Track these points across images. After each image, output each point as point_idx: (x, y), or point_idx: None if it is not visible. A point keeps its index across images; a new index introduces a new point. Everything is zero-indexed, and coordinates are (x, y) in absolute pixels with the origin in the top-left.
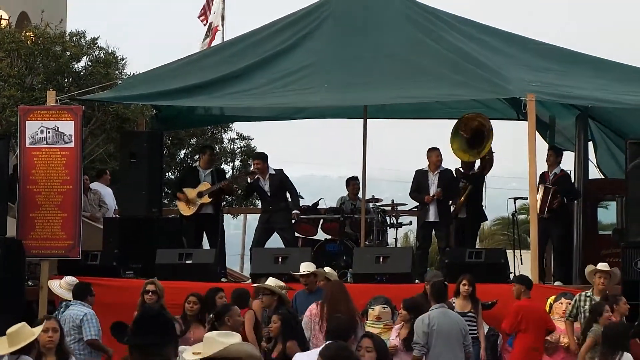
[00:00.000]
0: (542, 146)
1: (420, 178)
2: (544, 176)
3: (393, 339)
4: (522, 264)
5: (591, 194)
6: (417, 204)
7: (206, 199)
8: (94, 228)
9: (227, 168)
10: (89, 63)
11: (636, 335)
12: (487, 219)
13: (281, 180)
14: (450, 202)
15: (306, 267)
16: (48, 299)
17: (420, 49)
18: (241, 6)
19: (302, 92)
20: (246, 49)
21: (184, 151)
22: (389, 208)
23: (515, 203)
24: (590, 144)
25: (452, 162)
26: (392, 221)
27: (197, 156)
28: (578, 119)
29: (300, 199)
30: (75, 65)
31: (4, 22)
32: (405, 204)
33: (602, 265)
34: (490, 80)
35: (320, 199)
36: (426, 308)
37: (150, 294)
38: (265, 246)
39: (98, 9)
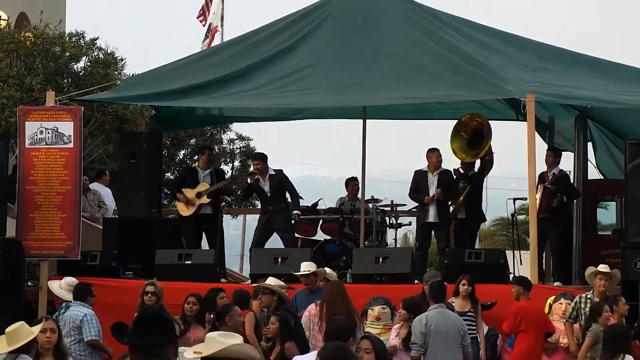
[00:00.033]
0: (541, 147)
1: (419, 179)
2: (542, 176)
3: (393, 338)
4: (521, 264)
5: (590, 195)
6: (417, 204)
7: (205, 200)
8: (94, 228)
9: (227, 168)
10: (88, 64)
11: (636, 336)
12: (485, 220)
13: (281, 181)
14: (450, 202)
15: (307, 267)
16: (48, 300)
17: (420, 50)
18: (240, 7)
19: (302, 93)
20: (245, 50)
21: (183, 152)
22: (389, 208)
23: (514, 203)
24: (589, 144)
25: (451, 162)
26: (391, 222)
27: (196, 157)
28: (577, 120)
29: (299, 200)
30: (75, 66)
31: (3, 23)
32: (405, 205)
33: (603, 267)
34: (489, 81)
35: (319, 200)
36: (425, 308)
37: (149, 295)
38: (265, 247)
39: (97, 9)
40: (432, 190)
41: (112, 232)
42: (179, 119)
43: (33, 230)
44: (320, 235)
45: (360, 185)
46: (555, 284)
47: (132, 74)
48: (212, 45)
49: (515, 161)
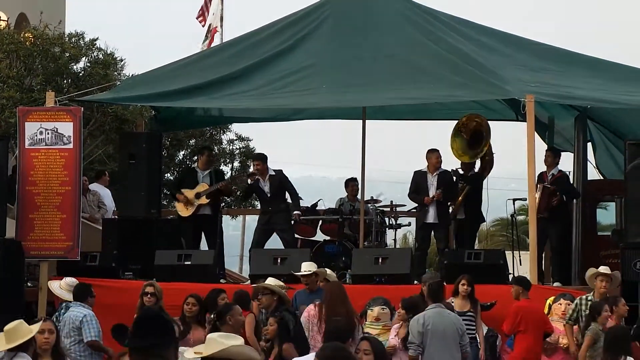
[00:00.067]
0: (541, 147)
1: (419, 179)
2: (542, 177)
3: (392, 338)
4: (521, 265)
5: (590, 195)
6: (416, 205)
7: (204, 200)
8: (93, 229)
9: (226, 169)
10: (88, 64)
11: (636, 338)
12: (485, 220)
13: (281, 181)
14: (449, 203)
15: (308, 267)
16: (47, 300)
17: (420, 50)
18: (240, 7)
19: (301, 93)
20: (245, 50)
21: (183, 152)
22: (388, 209)
23: (514, 204)
24: (589, 144)
25: (451, 162)
26: (391, 222)
27: (195, 157)
28: (577, 120)
29: (299, 200)
30: (74, 67)
31: (2, 23)
32: (404, 205)
33: (604, 269)
34: (489, 81)
35: (319, 200)
36: (424, 308)
37: (149, 296)
38: (265, 247)
39: (97, 10)
40: (432, 191)
41: (112, 233)
42: (179, 119)
43: (33, 231)
44: (320, 236)
45: (359, 186)
46: (555, 284)
47: (132, 75)
48: (211, 45)
49: (515, 161)
